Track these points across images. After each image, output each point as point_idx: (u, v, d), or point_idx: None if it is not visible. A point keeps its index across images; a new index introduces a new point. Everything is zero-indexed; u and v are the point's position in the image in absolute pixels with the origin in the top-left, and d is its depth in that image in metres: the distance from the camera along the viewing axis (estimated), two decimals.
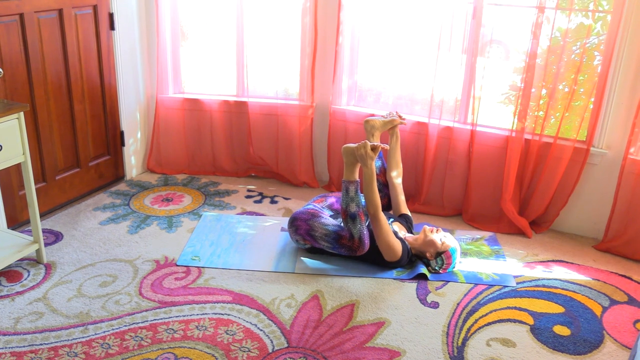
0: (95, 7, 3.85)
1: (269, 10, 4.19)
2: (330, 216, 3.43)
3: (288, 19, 4.18)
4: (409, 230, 3.48)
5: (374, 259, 3.26)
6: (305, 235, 3.29)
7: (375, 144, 3.15)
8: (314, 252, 3.38)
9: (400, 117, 3.63)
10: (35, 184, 3.51)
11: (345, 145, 3.21)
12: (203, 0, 4.48)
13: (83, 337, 2.63)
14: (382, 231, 3.13)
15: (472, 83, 3.76)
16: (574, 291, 3.14)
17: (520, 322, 2.86)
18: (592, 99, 3.55)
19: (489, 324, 2.84)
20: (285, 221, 3.74)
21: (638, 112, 3.38)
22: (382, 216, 3.13)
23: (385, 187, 3.60)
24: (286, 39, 4.23)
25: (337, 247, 3.22)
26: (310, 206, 3.46)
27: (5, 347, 2.55)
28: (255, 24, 4.18)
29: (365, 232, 3.16)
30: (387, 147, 3.23)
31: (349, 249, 3.19)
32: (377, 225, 3.13)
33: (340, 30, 3.99)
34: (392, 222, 3.42)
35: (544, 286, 3.18)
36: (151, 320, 2.75)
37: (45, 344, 2.58)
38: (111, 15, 3.98)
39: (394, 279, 3.19)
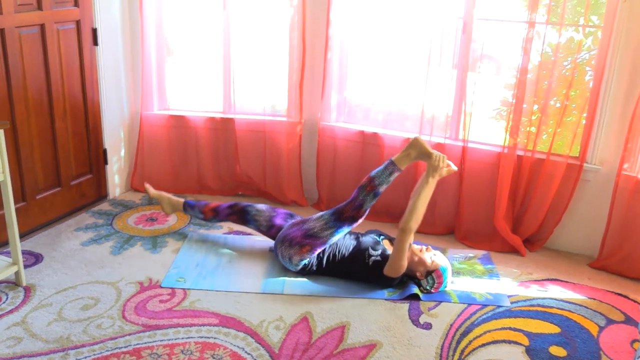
0: (78, 22, 3.86)
1: (256, 25, 4.20)
2: None
3: (275, 34, 4.20)
4: None
5: (367, 273, 3.25)
6: (303, 240, 3.28)
7: (452, 166, 3.27)
8: (304, 274, 3.37)
9: (449, 165, 3.29)
10: (15, 203, 3.46)
11: (420, 139, 3.27)
12: (189, 15, 4.49)
13: None
14: (404, 247, 3.13)
15: (463, 99, 3.79)
16: (569, 310, 3.14)
17: (515, 343, 2.86)
18: (585, 115, 3.59)
19: (484, 345, 2.83)
20: (272, 242, 3.72)
21: (631, 127, 3.42)
22: (412, 235, 3.17)
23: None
24: (274, 55, 4.25)
25: (340, 224, 3.28)
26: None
27: None
28: (242, 39, 4.19)
29: (368, 210, 3.29)
30: (455, 169, 3.33)
31: (352, 219, 3.28)
32: (405, 240, 3.11)
33: (329, 45, 4.01)
34: (382, 239, 3.44)
35: (538, 306, 3.18)
36: (135, 345, 2.72)
37: None
38: (94, 31, 3.98)
39: (386, 299, 3.17)
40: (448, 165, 3.27)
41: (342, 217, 3.29)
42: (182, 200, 3.83)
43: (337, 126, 4.22)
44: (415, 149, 3.27)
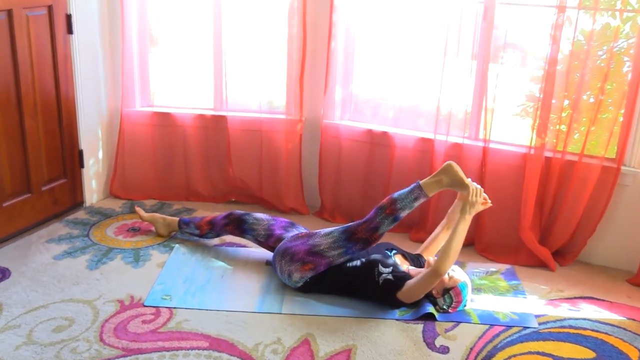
0: (50, 8, 3.86)
1: (251, 12, 4.20)
2: None
3: (273, 21, 4.21)
4: (414, 264, 3.46)
5: (377, 293, 3.24)
6: (306, 257, 3.28)
7: (489, 202, 3.27)
8: (305, 290, 3.36)
9: (485, 199, 3.30)
10: None
11: (454, 165, 3.24)
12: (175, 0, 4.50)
13: None
14: (430, 287, 3.15)
15: (483, 93, 3.79)
16: (606, 333, 3.13)
17: None
18: (622, 111, 3.58)
19: None
20: (270, 254, 3.72)
21: None
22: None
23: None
24: (271, 45, 4.25)
25: (350, 245, 3.26)
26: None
27: None
28: (236, 27, 4.20)
29: (384, 234, 3.26)
30: (490, 205, 3.31)
31: (364, 242, 3.25)
32: (435, 282, 3.12)
33: (333, 34, 4.02)
34: (394, 253, 3.44)
35: (570, 327, 3.16)
36: None
37: None
38: (69, 17, 3.99)
39: (397, 319, 3.17)
40: (485, 200, 3.27)
41: (353, 238, 3.27)
42: (176, 219, 3.92)
43: (342, 124, 4.22)
44: (448, 176, 3.24)
